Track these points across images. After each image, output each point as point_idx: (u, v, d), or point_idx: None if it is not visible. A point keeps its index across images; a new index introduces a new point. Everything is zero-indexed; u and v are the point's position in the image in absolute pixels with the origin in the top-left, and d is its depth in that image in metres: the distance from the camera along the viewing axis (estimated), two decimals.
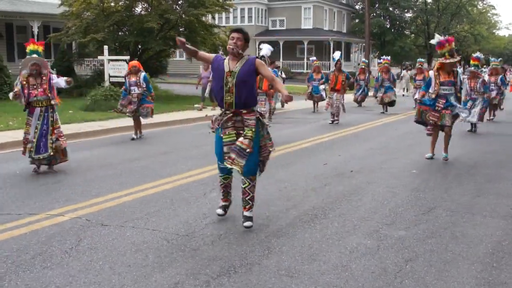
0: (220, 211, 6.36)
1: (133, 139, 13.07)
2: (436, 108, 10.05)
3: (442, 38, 9.86)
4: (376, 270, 4.77)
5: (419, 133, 14.24)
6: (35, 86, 8.86)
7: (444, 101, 10.00)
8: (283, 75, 25.91)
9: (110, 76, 20.63)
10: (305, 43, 48.41)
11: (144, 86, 13.14)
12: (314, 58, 23.65)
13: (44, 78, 8.92)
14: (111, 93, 19.51)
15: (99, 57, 22.13)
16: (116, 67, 20.64)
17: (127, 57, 22.92)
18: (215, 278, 4.61)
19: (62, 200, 7.11)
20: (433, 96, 10.02)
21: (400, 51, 56.36)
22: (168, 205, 6.89)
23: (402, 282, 4.55)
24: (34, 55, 8.91)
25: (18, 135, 12.65)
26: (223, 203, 6.43)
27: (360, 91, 24.02)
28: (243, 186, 6.08)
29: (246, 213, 6.06)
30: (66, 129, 13.97)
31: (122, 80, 21.21)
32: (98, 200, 7.12)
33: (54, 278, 4.58)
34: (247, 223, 5.97)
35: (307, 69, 44.59)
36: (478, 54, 14.96)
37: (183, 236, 5.69)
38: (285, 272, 4.74)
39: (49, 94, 8.92)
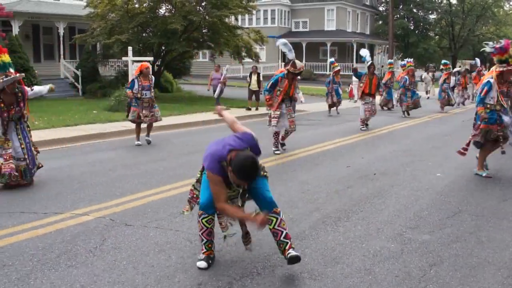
0: (203, 264, 4.86)
1: (139, 144, 12.28)
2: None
3: (499, 44, 8.62)
4: (400, 274, 4.74)
5: (444, 136, 14.12)
6: (11, 106, 8.01)
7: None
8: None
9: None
10: (328, 45, 48.27)
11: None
12: (333, 60, 23.30)
13: (20, 94, 8.10)
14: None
15: (123, 58, 22.31)
16: None
17: (151, 58, 23.08)
18: (237, 279, 4.61)
19: (86, 200, 7.18)
20: (497, 107, 8.73)
21: (424, 53, 55.91)
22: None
23: (427, 287, 4.50)
24: (11, 70, 8.13)
25: (44, 134, 12.83)
26: (207, 256, 4.95)
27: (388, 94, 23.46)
28: (270, 227, 4.79)
29: (292, 253, 4.68)
30: (90, 129, 14.17)
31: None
32: (122, 200, 7.17)
33: (78, 277, 4.62)
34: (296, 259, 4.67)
35: (330, 71, 44.48)
36: None
37: None
38: (308, 275, 4.72)
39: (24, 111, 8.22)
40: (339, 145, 12.53)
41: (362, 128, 15.47)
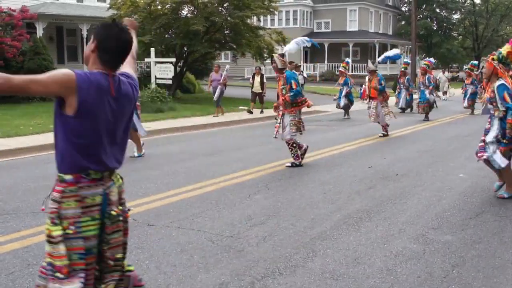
0: None
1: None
2: None
3: None
4: (422, 275, 4.72)
5: (467, 137, 13.99)
6: None
7: None
8: (305, 74, 24.54)
9: (156, 78, 20.93)
10: (350, 45, 48.10)
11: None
12: (348, 60, 22.70)
13: None
14: (158, 95, 19.79)
15: (146, 60, 22.47)
16: (162, 69, 20.95)
17: (173, 60, 23.25)
18: (259, 279, 4.63)
19: None
20: None
21: (447, 53, 55.42)
22: (212, 206, 6.96)
23: (449, 287, 4.48)
24: None
25: None
26: None
27: (402, 95, 22.44)
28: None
29: None
30: None
31: (169, 82, 21.68)
32: (144, 200, 7.24)
33: None
34: None
35: (352, 72, 44.28)
36: None
37: (228, 237, 5.73)
38: (330, 275, 4.73)
39: None
40: (360, 145, 12.48)
41: (379, 135, 14.27)
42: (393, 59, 14.74)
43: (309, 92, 32.06)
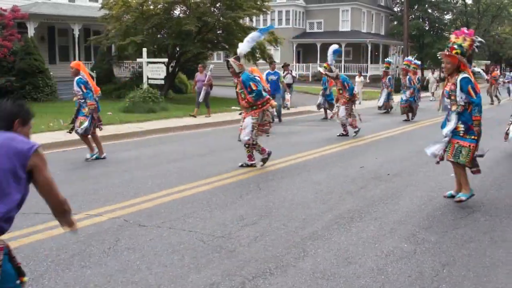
0: None
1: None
2: None
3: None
4: (413, 274, 4.73)
5: None
6: None
7: None
8: (294, 74, 24.26)
9: (148, 78, 20.91)
10: (343, 46, 48.07)
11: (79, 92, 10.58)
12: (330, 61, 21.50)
13: None
14: (150, 95, 19.78)
15: (138, 60, 22.47)
16: (154, 70, 20.92)
17: (166, 60, 23.22)
18: (250, 279, 4.63)
19: (100, 201, 7.24)
20: None
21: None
22: (204, 207, 6.95)
23: (439, 287, 4.49)
24: None
25: (58, 136, 12.95)
26: None
27: (382, 97, 22.08)
28: None
29: None
30: (105, 130, 14.24)
31: (161, 82, 21.64)
32: (136, 201, 7.22)
33: (92, 277, 4.66)
34: None
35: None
36: None
37: (219, 238, 5.73)
38: (321, 275, 4.73)
39: None
40: (352, 146, 12.50)
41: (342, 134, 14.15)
42: (336, 53, 14.40)
43: (301, 92, 32.17)
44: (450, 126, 7.05)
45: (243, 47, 10.10)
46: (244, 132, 9.48)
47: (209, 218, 6.47)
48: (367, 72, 44.77)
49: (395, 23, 60.31)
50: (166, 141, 13.25)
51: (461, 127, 6.96)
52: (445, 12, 60.52)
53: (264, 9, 28.00)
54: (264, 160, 9.75)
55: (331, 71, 14.09)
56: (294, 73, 24.42)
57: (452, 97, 6.96)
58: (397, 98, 21.88)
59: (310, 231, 5.98)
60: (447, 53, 6.95)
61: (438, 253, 5.27)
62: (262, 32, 10.30)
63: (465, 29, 7.18)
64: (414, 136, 14.56)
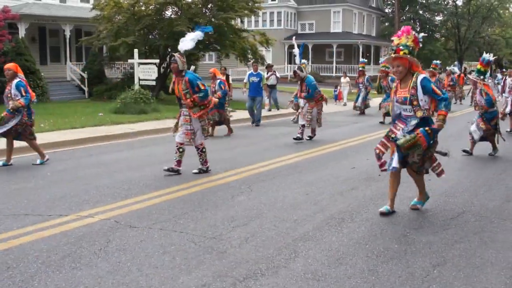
0: None
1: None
2: None
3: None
4: (403, 275, 4.74)
5: (449, 138, 14.08)
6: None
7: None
8: (278, 75, 23.63)
9: (140, 79, 20.87)
10: (334, 47, 48.26)
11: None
12: (305, 61, 20.94)
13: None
14: (141, 96, 19.74)
15: (130, 61, 22.42)
16: (146, 71, 20.88)
17: (157, 61, 23.18)
18: (241, 280, 4.63)
19: (91, 202, 7.21)
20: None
21: (430, 54, 55.80)
22: (195, 208, 6.94)
23: (430, 287, 4.51)
24: None
25: (49, 137, 12.89)
26: None
27: (360, 97, 21.88)
28: None
29: None
30: (96, 131, 14.22)
31: (152, 83, 21.59)
32: (126, 202, 7.20)
33: (83, 279, 4.65)
34: None
35: (336, 73, 44.49)
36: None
37: (210, 239, 5.72)
38: (312, 276, 4.73)
39: None
40: (344, 146, 12.53)
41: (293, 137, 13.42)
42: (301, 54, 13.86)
43: (287, 92, 32.10)
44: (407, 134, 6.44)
45: (186, 45, 9.26)
46: (197, 135, 9.14)
47: (200, 219, 6.46)
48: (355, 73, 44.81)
49: (387, 24, 60.55)
50: (158, 142, 13.22)
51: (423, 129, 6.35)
52: (436, 14, 60.88)
53: (255, 10, 28.02)
54: (200, 170, 9.22)
55: (301, 70, 13.41)
56: (278, 74, 23.87)
57: (415, 103, 6.34)
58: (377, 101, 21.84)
59: (301, 232, 5.98)
60: (395, 56, 6.35)
61: (428, 254, 5.28)
62: (203, 31, 9.58)
63: (403, 28, 6.51)
64: None
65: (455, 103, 27.31)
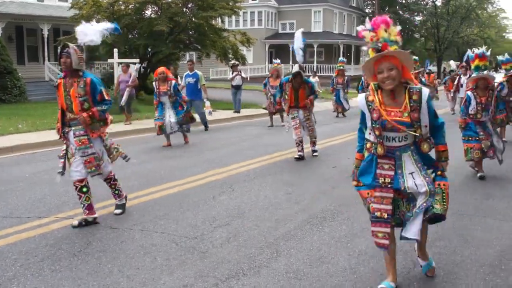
0: None
1: None
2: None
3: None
4: (385, 273, 4.74)
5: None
6: None
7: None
8: (243, 75, 21.92)
9: None
10: (315, 46, 48.41)
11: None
12: (278, 61, 19.20)
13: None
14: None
15: (109, 60, 22.25)
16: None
17: (137, 60, 23.03)
18: (223, 280, 4.61)
19: (71, 203, 7.14)
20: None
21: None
22: (177, 208, 6.91)
23: (410, 285, 4.53)
24: None
25: (27, 138, 12.74)
26: None
27: (342, 98, 21.09)
28: None
29: None
30: None
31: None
32: (106, 203, 7.14)
33: (62, 281, 4.60)
34: None
35: (317, 72, 44.54)
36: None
37: (192, 239, 5.70)
38: (294, 275, 4.73)
39: None
40: (326, 146, 12.55)
41: (296, 157, 10.77)
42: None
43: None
44: (418, 177, 4.33)
45: (90, 37, 6.80)
46: (104, 162, 6.66)
47: (181, 219, 6.43)
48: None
49: None
50: (137, 143, 13.13)
51: (421, 164, 4.38)
52: (416, 14, 61.29)
53: (236, 10, 28.00)
54: (121, 208, 6.81)
55: (304, 70, 11.54)
56: (244, 74, 22.09)
57: (418, 132, 4.26)
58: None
59: (283, 231, 5.98)
60: (385, 54, 4.20)
61: (409, 251, 5.30)
62: (115, 28, 8.08)
63: (377, 19, 4.37)
64: None
65: None
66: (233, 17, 39.98)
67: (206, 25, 25.53)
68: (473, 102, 8.61)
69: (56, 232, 5.91)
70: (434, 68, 54.77)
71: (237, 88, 21.15)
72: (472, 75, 8.90)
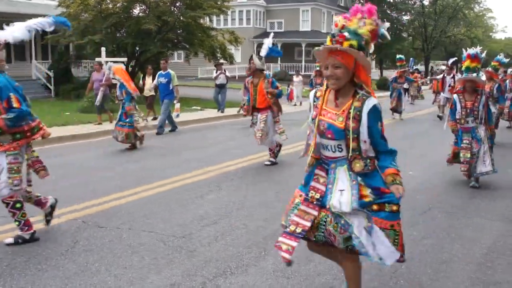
0: None
1: None
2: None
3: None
4: (372, 271, 4.77)
5: (415, 136, 14.28)
6: None
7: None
8: (227, 74, 21.54)
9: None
10: (303, 46, 48.46)
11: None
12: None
13: None
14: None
15: (97, 59, 22.12)
16: None
17: (125, 59, 22.94)
18: (211, 279, 4.60)
19: (58, 202, 7.08)
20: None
21: (397, 53, 56.40)
22: (164, 207, 6.89)
23: (398, 283, 4.56)
24: None
25: None
26: None
27: None
28: None
29: None
30: (63, 131, 14.01)
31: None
32: (94, 202, 7.11)
33: (49, 280, 4.57)
34: None
35: (305, 72, 44.62)
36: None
37: (179, 238, 5.69)
38: (281, 274, 4.74)
39: None
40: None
41: (266, 163, 10.05)
42: (275, 55, 11.00)
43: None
44: (346, 195, 3.66)
45: (16, 33, 6.22)
46: (1, 180, 5.49)
47: (169, 218, 6.42)
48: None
49: None
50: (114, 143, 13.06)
51: (368, 192, 3.70)
52: (403, 13, 61.49)
53: (224, 9, 27.97)
54: (48, 217, 6.07)
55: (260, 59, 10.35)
56: (228, 74, 21.68)
57: (353, 144, 3.63)
58: None
59: (271, 230, 5.98)
60: (334, 48, 3.53)
61: None
62: (55, 21, 7.06)
63: (358, 6, 3.74)
64: None
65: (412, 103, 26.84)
66: (221, 16, 39.95)
67: (194, 24, 25.48)
68: (458, 106, 8.14)
69: (43, 232, 5.87)
70: (421, 68, 55.16)
71: (221, 87, 20.79)
72: (461, 76, 8.49)
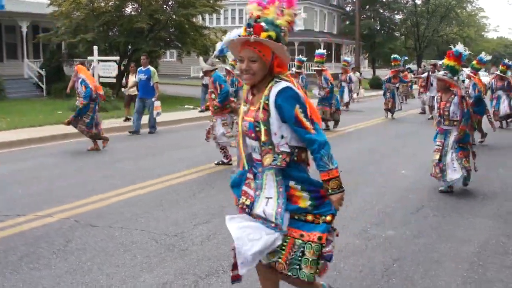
0: None
1: None
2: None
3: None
4: (364, 269, 4.79)
5: (408, 135, 14.32)
6: None
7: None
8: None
9: (100, 77, 20.56)
10: (296, 44, 48.46)
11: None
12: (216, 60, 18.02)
13: None
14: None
15: (89, 58, 22.06)
16: (106, 68, 20.59)
17: (117, 58, 22.87)
18: (203, 278, 4.61)
19: (50, 201, 7.07)
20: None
21: (390, 52, 56.50)
22: (157, 206, 6.88)
23: (389, 281, 4.57)
24: None
25: (6, 136, 12.61)
26: None
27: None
28: None
29: None
30: (54, 129, 13.96)
31: (113, 80, 21.28)
32: (87, 201, 7.09)
33: (41, 279, 4.56)
34: None
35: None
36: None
37: (172, 237, 5.68)
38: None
39: None
40: None
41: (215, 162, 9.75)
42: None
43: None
44: (271, 204, 3.35)
45: None
46: None
47: (161, 217, 6.41)
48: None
49: (347, 22, 61.05)
50: (117, 141, 13.05)
51: (305, 197, 3.51)
52: (396, 12, 61.64)
53: (216, 8, 27.94)
54: None
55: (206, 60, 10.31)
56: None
57: (264, 138, 3.27)
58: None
59: None
60: (251, 38, 3.16)
61: (388, 249, 5.36)
62: None
63: None
64: (366, 133, 14.77)
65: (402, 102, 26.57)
66: (214, 15, 39.93)
67: (186, 23, 25.43)
68: (435, 106, 7.91)
69: (35, 230, 5.85)
70: (414, 67, 55.29)
71: (207, 87, 20.47)
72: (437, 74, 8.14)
